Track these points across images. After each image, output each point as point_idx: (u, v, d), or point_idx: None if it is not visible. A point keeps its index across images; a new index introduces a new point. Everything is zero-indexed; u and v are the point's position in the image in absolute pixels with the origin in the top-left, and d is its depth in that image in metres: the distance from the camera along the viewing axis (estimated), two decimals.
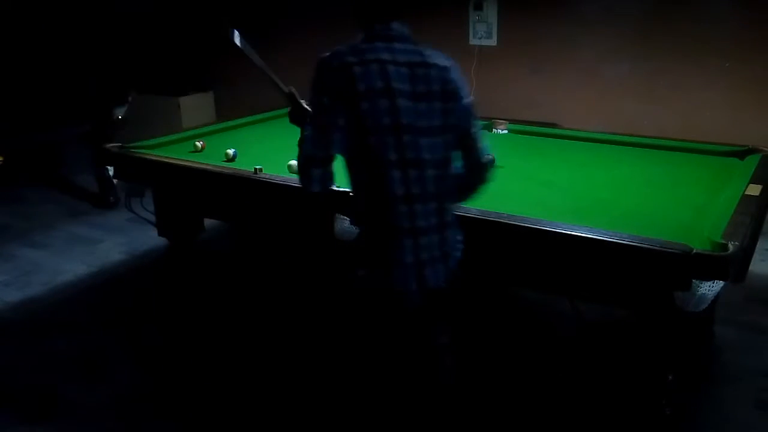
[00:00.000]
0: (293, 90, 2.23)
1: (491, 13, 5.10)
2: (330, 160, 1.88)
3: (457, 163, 1.97)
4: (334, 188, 2.56)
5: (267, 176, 2.85)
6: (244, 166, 3.00)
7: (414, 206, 1.86)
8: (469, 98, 1.96)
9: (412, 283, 1.91)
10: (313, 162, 1.87)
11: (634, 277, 2.14)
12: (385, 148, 1.82)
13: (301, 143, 1.92)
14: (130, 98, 5.44)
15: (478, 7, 5.12)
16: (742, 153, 3.12)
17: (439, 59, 1.97)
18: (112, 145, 3.39)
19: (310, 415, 2.71)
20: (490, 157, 2.02)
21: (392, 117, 1.81)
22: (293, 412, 2.73)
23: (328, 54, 1.85)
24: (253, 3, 6.21)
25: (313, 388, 2.86)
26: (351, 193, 1.98)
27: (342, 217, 2.54)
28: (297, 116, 2.19)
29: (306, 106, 2.11)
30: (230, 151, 3.23)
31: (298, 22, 6.02)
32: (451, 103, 1.90)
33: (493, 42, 5.16)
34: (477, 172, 2.01)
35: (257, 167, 2.89)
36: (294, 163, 2.72)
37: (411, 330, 2.07)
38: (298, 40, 6.07)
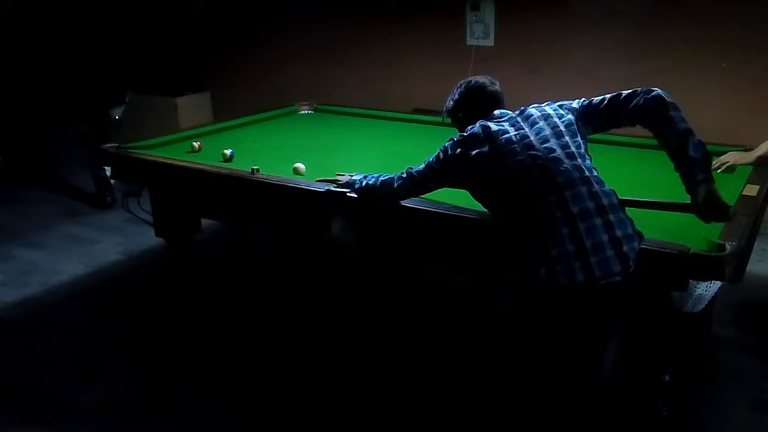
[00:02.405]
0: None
1: (488, 14, 5.10)
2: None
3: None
4: (332, 189, 2.59)
5: (264, 176, 2.85)
6: (241, 166, 3.00)
7: (587, 221, 1.96)
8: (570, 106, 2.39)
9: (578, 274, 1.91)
10: (425, 190, 2.40)
11: (631, 277, 2.13)
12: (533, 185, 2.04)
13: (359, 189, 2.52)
14: (127, 98, 5.43)
15: (475, 7, 5.12)
16: None
17: (541, 110, 2.34)
18: (109, 145, 3.39)
19: (309, 415, 2.71)
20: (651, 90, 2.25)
21: (533, 158, 2.08)
22: (293, 412, 2.73)
23: (472, 129, 2.21)
24: (249, 3, 6.20)
25: (313, 388, 2.86)
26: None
27: (339, 217, 2.54)
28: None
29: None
30: (227, 152, 3.23)
31: (295, 21, 6.02)
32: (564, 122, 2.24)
33: (490, 42, 5.17)
34: (643, 101, 2.21)
35: (254, 167, 2.89)
36: (300, 165, 2.76)
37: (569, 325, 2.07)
38: (294, 39, 6.07)
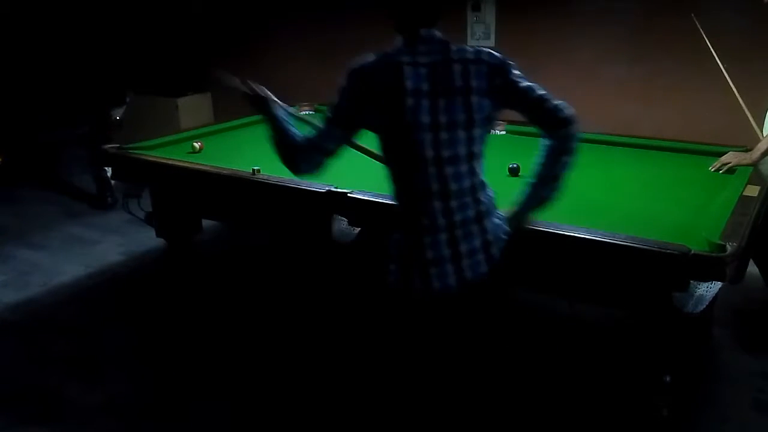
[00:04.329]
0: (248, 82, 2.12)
1: (489, 14, 5.10)
2: (337, 153, 1.99)
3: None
4: (333, 189, 2.59)
5: (265, 177, 2.85)
6: (242, 167, 3.00)
7: (449, 202, 1.89)
8: (511, 77, 2.02)
9: (450, 279, 1.94)
10: (325, 152, 1.96)
11: (632, 278, 2.14)
12: (422, 145, 1.86)
13: (278, 122, 2.01)
14: (128, 99, 5.44)
15: (476, 8, 5.12)
16: None
17: (471, 54, 1.96)
18: (110, 146, 3.40)
19: (309, 415, 2.71)
20: (568, 112, 2.00)
21: (429, 115, 1.85)
22: (292, 412, 2.73)
23: (362, 58, 1.93)
24: (249, 3, 6.20)
25: (312, 388, 2.86)
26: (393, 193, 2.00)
27: (340, 218, 2.54)
28: (257, 103, 2.08)
29: (260, 92, 2.09)
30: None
31: (295, 21, 6.02)
32: (489, 94, 1.92)
33: (491, 43, 5.16)
34: (557, 129, 1.98)
35: (255, 168, 2.89)
36: None
37: (449, 332, 2.13)
38: (295, 39, 6.08)
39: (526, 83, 2.01)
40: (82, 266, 4.17)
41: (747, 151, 3.06)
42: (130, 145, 3.40)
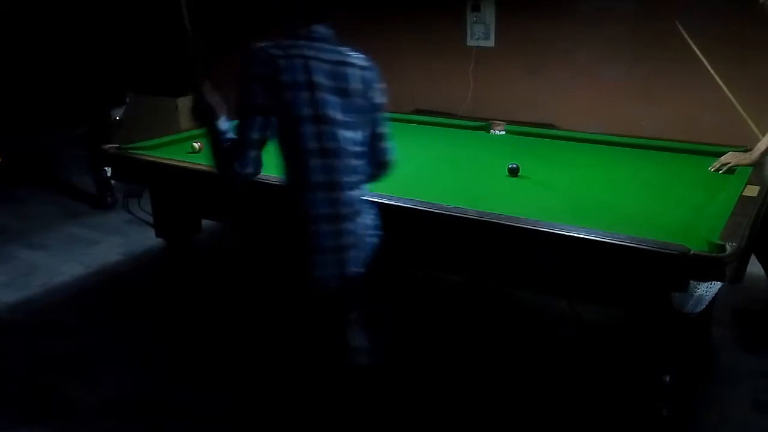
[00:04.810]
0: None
1: (489, 15, 5.10)
2: (264, 143, 2.00)
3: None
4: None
5: (264, 177, 2.84)
6: None
7: (333, 193, 2.03)
8: (382, 99, 2.15)
9: (332, 269, 2.07)
10: (250, 144, 1.97)
11: (631, 278, 2.14)
12: (305, 137, 1.97)
13: (218, 135, 2.04)
14: (127, 99, 5.44)
15: (476, 8, 5.12)
16: None
17: (360, 60, 2.11)
18: (109, 146, 3.39)
19: (309, 415, 2.71)
20: (392, 158, 2.26)
21: (313, 108, 1.97)
22: (293, 412, 2.73)
23: (256, 46, 1.99)
24: (249, 3, 6.20)
25: (313, 389, 2.86)
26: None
27: None
28: (202, 113, 2.10)
29: (211, 102, 2.10)
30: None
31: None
32: (368, 102, 2.08)
33: (490, 43, 5.17)
34: (379, 168, 2.23)
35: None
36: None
37: (327, 314, 2.25)
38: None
39: (381, 112, 2.17)
40: (82, 266, 4.17)
41: (746, 151, 3.07)
42: (130, 145, 3.40)
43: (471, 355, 3.12)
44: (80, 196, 5.50)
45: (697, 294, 1.99)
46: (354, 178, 2.07)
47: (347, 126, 2.03)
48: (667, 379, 2.34)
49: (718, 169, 2.97)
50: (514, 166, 2.93)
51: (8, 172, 5.57)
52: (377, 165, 2.21)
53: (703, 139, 3.51)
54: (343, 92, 2.02)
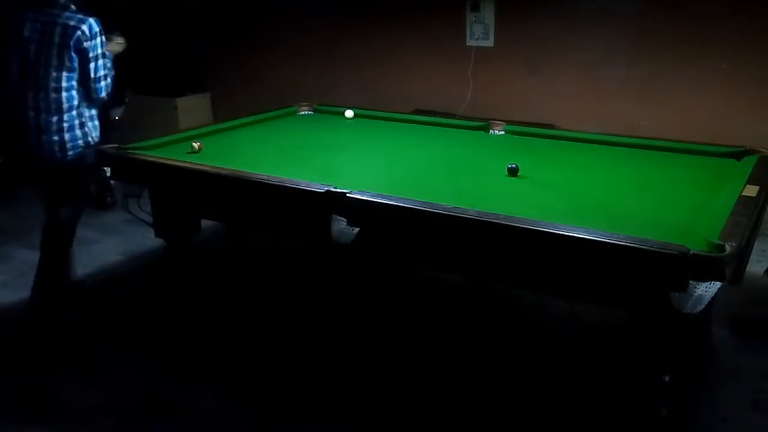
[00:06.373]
0: None
1: (488, 15, 5.11)
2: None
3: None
4: (332, 189, 2.58)
5: (264, 177, 2.85)
6: (241, 167, 3.00)
7: (40, 115, 3.35)
8: (95, 50, 3.36)
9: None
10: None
11: (631, 278, 2.14)
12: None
13: None
14: (127, 99, 5.43)
15: (475, 8, 5.13)
16: (739, 154, 3.12)
17: (73, 21, 3.29)
18: (109, 146, 3.39)
19: (309, 415, 2.71)
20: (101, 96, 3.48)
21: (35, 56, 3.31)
22: (293, 412, 2.73)
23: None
24: (248, 3, 6.20)
25: (313, 388, 2.87)
26: None
27: (339, 218, 2.54)
28: None
29: None
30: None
31: (295, 22, 6.02)
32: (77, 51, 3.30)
33: (490, 43, 5.17)
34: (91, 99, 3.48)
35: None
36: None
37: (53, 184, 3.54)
38: (294, 39, 6.07)
39: (95, 57, 3.36)
40: (82, 266, 4.17)
41: (746, 151, 3.07)
42: (129, 145, 3.39)
43: (471, 356, 3.12)
44: None
45: (696, 294, 1.99)
46: (57, 105, 3.39)
47: (58, 68, 3.35)
48: (667, 379, 2.34)
49: None
50: (514, 166, 2.93)
51: (8, 172, 5.55)
52: (89, 96, 3.47)
53: (702, 139, 3.51)
54: (53, 45, 3.33)
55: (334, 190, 2.59)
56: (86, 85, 3.40)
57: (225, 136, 3.77)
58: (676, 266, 1.97)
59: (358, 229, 2.54)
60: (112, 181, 5.05)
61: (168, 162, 3.16)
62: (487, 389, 2.86)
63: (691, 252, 1.95)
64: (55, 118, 3.35)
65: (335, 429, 2.65)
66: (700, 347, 3.13)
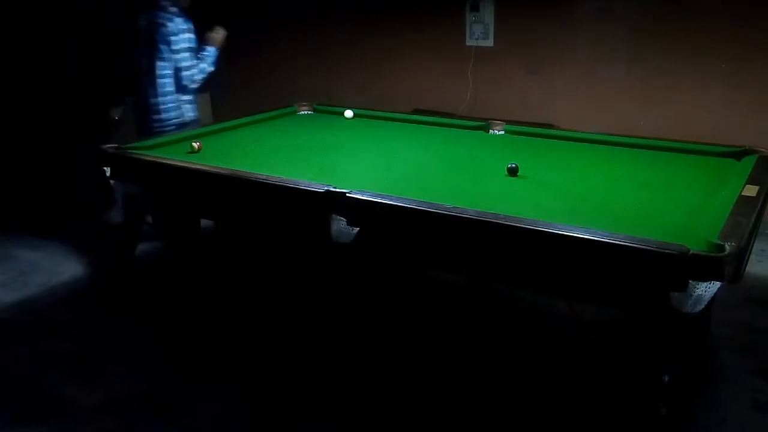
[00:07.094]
0: None
1: (488, 14, 5.11)
2: None
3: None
4: (331, 189, 2.58)
5: (263, 177, 2.85)
6: (241, 167, 3.00)
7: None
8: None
9: None
10: None
11: (630, 278, 2.14)
12: None
13: None
14: (127, 99, 5.41)
15: (475, 8, 5.13)
16: (739, 154, 3.12)
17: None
18: (108, 145, 3.39)
19: (309, 414, 2.71)
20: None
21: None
22: (293, 412, 2.73)
23: None
24: (248, 3, 6.20)
25: (313, 388, 2.87)
26: None
27: (338, 218, 2.54)
28: None
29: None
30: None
31: (294, 22, 6.02)
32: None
33: (489, 43, 5.17)
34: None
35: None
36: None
37: None
38: (294, 39, 6.08)
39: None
40: (82, 266, 4.17)
41: (746, 151, 3.06)
42: (129, 145, 3.40)
43: (471, 356, 3.13)
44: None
45: (696, 294, 1.99)
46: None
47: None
48: (667, 379, 2.34)
49: None
50: (513, 165, 2.93)
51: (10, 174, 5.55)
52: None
53: (702, 138, 3.52)
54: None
55: (333, 189, 2.59)
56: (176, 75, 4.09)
57: (225, 136, 3.77)
58: (676, 266, 1.97)
59: (357, 228, 2.54)
60: (111, 181, 5.04)
61: (168, 162, 3.16)
62: (487, 389, 2.86)
63: (691, 252, 1.96)
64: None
65: (335, 429, 2.65)
66: (699, 347, 3.13)
